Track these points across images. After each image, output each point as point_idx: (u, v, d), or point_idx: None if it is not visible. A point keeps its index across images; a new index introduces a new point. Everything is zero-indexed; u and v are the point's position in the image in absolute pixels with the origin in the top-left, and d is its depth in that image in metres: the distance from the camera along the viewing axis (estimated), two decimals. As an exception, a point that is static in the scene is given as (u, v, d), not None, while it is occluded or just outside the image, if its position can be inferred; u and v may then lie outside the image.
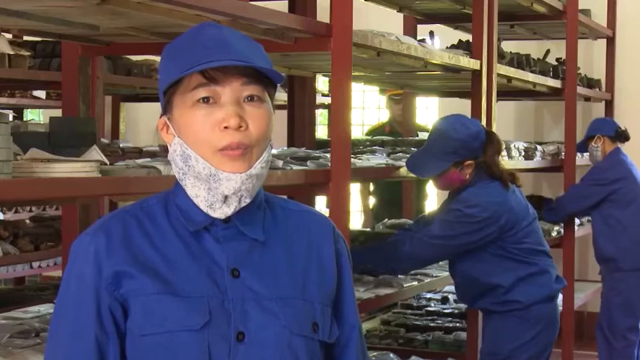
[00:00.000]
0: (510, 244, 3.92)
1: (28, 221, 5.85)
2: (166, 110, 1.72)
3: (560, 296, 4.39)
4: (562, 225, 6.33)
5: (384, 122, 7.26)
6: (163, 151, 4.57)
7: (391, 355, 4.34)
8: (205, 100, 1.66)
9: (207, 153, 1.65)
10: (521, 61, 5.95)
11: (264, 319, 1.67)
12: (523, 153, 5.68)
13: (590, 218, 6.72)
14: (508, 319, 3.94)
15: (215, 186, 1.66)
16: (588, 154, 6.28)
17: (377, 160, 4.08)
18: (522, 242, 3.94)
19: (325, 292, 1.76)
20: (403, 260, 3.92)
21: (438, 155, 3.90)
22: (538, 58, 6.52)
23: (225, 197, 1.68)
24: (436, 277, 4.41)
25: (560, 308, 4.50)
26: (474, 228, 3.86)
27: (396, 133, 6.55)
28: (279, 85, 1.75)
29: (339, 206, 3.25)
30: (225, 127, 1.64)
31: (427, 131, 6.72)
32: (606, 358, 6.01)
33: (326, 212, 3.26)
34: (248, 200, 1.70)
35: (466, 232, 3.86)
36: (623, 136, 6.14)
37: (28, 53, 5.30)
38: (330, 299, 1.77)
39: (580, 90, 6.66)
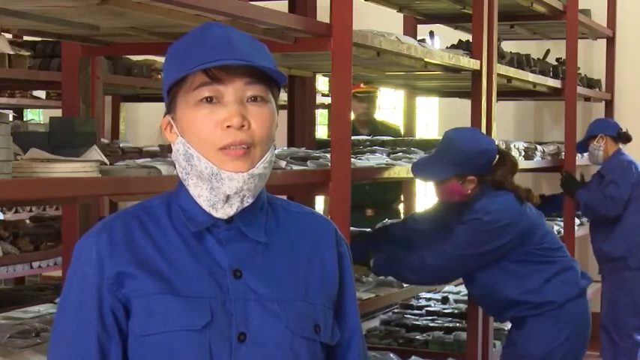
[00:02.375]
0: (532, 247, 3.91)
1: (28, 221, 5.85)
2: (170, 109, 1.72)
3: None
4: (562, 225, 6.32)
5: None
6: (165, 151, 4.57)
7: (391, 355, 4.34)
8: (208, 99, 1.66)
9: (210, 152, 1.65)
10: (521, 61, 5.95)
11: (266, 319, 1.67)
12: (523, 153, 5.68)
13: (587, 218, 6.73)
14: (544, 319, 3.90)
15: (217, 185, 1.66)
16: (588, 153, 6.26)
17: (377, 160, 4.08)
18: (543, 242, 3.94)
19: (327, 294, 1.76)
20: (427, 272, 3.91)
21: (442, 163, 3.89)
22: (538, 58, 6.52)
23: (227, 197, 1.67)
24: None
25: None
26: (495, 234, 3.84)
27: (357, 133, 6.41)
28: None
29: (339, 206, 3.25)
30: (228, 127, 1.64)
31: (389, 128, 6.73)
32: (611, 358, 6.00)
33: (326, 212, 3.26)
34: (250, 200, 1.69)
35: (489, 240, 3.84)
36: (624, 136, 6.12)
37: (28, 53, 5.30)
38: (331, 301, 1.77)
39: (580, 90, 6.66)
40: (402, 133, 6.69)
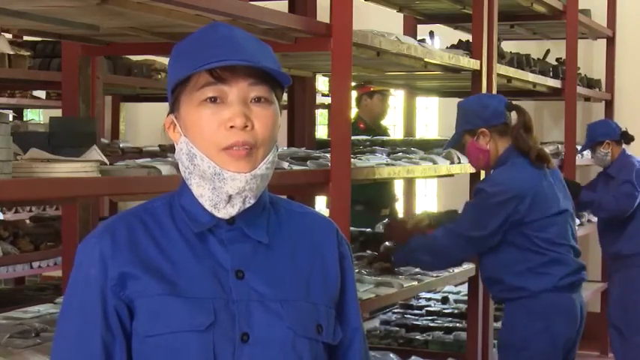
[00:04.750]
0: (533, 232, 3.87)
1: (28, 221, 5.85)
2: (174, 109, 1.72)
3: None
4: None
5: (353, 118, 6.70)
6: (168, 151, 4.57)
7: (391, 355, 4.34)
8: (212, 99, 1.66)
9: (213, 152, 1.66)
10: (521, 61, 5.95)
11: (269, 320, 1.67)
12: (523, 153, 5.67)
13: (590, 218, 6.75)
14: (518, 307, 3.91)
15: (220, 185, 1.66)
16: (594, 158, 6.26)
17: (377, 160, 4.08)
18: (546, 231, 3.89)
19: (329, 294, 1.76)
20: (441, 254, 3.99)
21: (456, 128, 4.11)
22: (538, 58, 6.52)
23: (230, 197, 1.68)
24: (436, 277, 4.41)
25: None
26: (498, 209, 3.84)
27: (371, 130, 6.39)
28: (280, 85, 1.75)
29: (339, 206, 3.25)
30: (231, 127, 1.65)
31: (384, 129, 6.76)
32: (622, 355, 6.05)
33: (326, 212, 3.26)
34: (252, 201, 1.70)
35: (492, 216, 3.85)
36: (627, 137, 6.15)
37: (28, 53, 5.30)
38: (333, 301, 1.77)
39: (580, 90, 6.66)
40: (389, 134, 6.75)
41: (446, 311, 5.45)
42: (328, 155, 3.40)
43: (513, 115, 4.02)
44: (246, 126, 1.65)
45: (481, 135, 3.99)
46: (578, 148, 6.53)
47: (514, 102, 4.15)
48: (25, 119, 8.02)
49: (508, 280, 3.91)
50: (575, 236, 4.05)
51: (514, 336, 3.92)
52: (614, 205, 5.97)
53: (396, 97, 7.14)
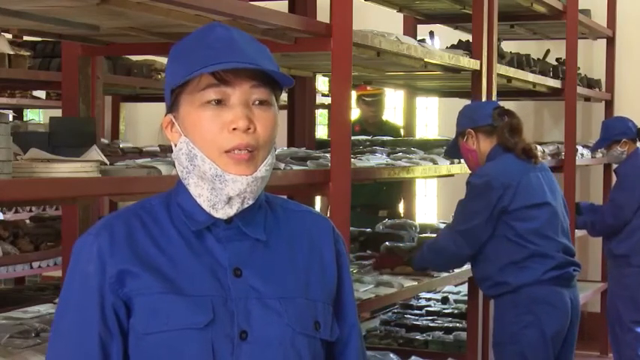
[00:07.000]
0: (516, 221, 3.91)
1: (28, 221, 5.84)
2: (172, 109, 1.72)
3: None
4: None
5: (354, 120, 6.64)
6: (167, 151, 4.57)
7: (391, 355, 4.34)
8: (216, 101, 1.66)
9: (214, 154, 1.66)
10: (521, 61, 5.95)
11: (267, 317, 1.68)
12: (523, 153, 5.67)
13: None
14: (504, 302, 3.95)
15: (220, 187, 1.67)
16: (609, 155, 6.26)
17: (377, 160, 4.08)
18: (529, 221, 3.93)
19: (326, 292, 1.77)
20: (440, 254, 4.09)
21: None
22: (538, 58, 6.52)
23: (229, 198, 1.68)
24: (436, 277, 4.41)
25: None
26: (484, 196, 3.91)
27: (367, 132, 6.39)
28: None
29: (339, 206, 3.25)
30: (234, 129, 1.65)
31: (392, 128, 6.77)
32: (618, 353, 6.07)
33: (325, 212, 3.26)
34: (251, 202, 1.70)
35: (478, 202, 3.93)
36: None
37: (28, 53, 5.30)
38: (331, 298, 1.78)
39: (580, 90, 6.65)
40: (402, 133, 6.71)
41: (446, 311, 5.45)
42: (328, 155, 3.40)
43: (505, 118, 4.10)
44: (249, 128, 1.65)
45: (468, 135, 4.10)
46: (579, 148, 6.53)
47: (512, 103, 4.22)
48: (25, 119, 8.02)
49: (493, 276, 3.96)
50: (566, 233, 4.10)
51: (503, 332, 3.96)
52: (606, 227, 6.02)
53: (396, 97, 7.13)
